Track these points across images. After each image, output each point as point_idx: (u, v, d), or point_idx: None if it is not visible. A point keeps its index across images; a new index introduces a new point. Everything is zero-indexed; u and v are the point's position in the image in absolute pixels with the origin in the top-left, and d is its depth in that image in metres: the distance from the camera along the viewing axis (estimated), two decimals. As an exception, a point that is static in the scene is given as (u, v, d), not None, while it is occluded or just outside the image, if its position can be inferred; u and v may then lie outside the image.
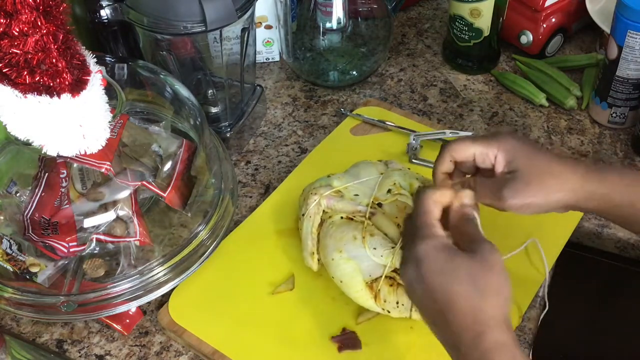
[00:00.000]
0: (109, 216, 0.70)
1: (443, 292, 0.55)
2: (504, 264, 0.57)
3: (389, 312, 0.70)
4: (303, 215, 0.76)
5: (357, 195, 0.76)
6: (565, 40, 1.09)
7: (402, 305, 0.69)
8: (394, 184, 0.76)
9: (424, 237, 0.58)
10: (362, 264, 0.70)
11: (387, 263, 0.68)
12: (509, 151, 0.64)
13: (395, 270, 0.69)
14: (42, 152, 0.64)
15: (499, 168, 0.64)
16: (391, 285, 0.69)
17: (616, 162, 0.92)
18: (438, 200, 0.61)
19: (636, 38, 0.85)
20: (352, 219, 0.74)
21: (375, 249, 0.69)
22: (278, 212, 0.84)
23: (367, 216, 0.73)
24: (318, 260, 0.76)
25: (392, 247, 0.69)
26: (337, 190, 0.76)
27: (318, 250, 0.75)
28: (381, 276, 0.69)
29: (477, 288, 0.54)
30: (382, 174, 0.78)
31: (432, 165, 0.86)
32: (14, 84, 0.59)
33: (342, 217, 0.74)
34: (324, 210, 0.76)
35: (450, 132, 0.90)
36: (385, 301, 0.69)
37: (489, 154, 0.65)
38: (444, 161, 0.66)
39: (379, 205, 0.74)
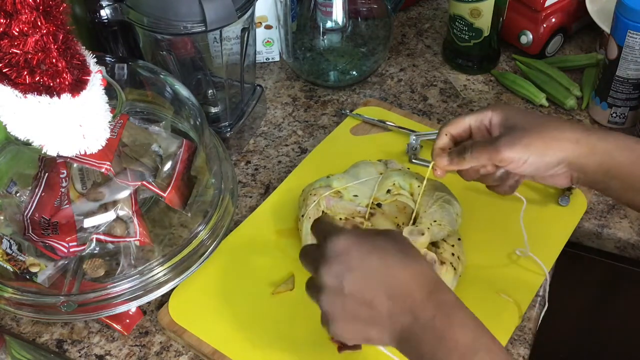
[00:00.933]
0: (109, 216, 0.70)
1: (381, 266, 0.55)
2: None
3: (388, 312, 0.70)
4: (302, 216, 0.76)
5: (356, 195, 0.76)
6: (565, 40, 1.09)
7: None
8: (394, 184, 0.76)
9: (337, 232, 0.57)
10: (362, 264, 0.69)
11: (387, 263, 0.68)
12: (503, 111, 0.66)
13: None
14: (42, 152, 0.64)
15: (495, 128, 0.66)
16: (391, 285, 0.69)
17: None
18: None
19: (636, 38, 0.85)
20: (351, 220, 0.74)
21: (375, 249, 0.69)
22: (278, 212, 0.84)
23: (366, 217, 0.73)
24: (318, 260, 0.75)
25: (392, 247, 0.69)
26: (337, 190, 0.76)
27: (318, 250, 0.75)
28: (381, 276, 0.69)
29: (407, 255, 0.56)
30: (381, 174, 0.78)
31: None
32: (14, 84, 0.59)
33: (341, 219, 0.74)
34: (323, 211, 0.76)
35: (450, 132, 0.90)
36: (385, 301, 0.69)
37: (484, 119, 0.67)
38: (440, 137, 0.69)
39: (379, 205, 0.74)
